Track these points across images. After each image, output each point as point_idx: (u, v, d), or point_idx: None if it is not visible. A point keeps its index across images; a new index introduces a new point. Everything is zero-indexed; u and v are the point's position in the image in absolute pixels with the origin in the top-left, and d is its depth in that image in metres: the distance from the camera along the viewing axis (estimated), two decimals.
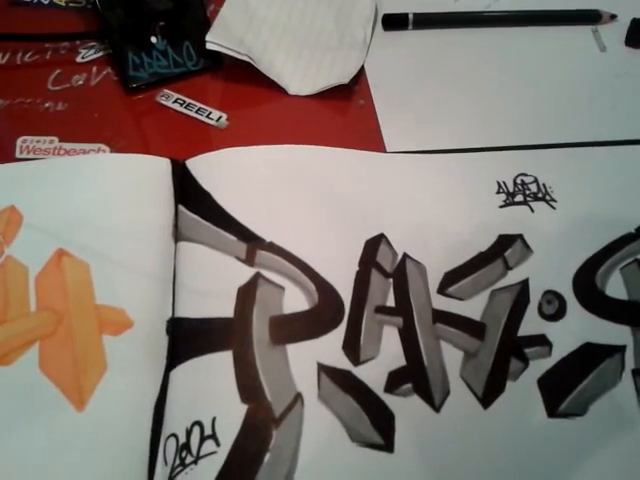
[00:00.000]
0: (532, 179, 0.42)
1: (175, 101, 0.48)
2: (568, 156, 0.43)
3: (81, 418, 0.32)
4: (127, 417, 0.32)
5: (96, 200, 0.39)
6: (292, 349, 0.34)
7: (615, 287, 0.37)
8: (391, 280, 0.37)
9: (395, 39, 0.52)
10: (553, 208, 0.40)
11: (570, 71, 0.49)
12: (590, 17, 0.52)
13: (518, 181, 0.42)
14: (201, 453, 0.31)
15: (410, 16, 0.51)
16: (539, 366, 0.35)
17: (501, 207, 0.41)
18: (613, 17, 0.52)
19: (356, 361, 0.34)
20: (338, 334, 0.35)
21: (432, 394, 0.34)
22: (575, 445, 0.32)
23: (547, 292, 0.37)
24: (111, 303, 0.36)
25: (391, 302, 0.37)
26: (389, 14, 0.52)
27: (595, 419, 0.33)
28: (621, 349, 0.35)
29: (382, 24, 0.52)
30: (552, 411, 0.33)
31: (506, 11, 0.53)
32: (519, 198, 0.41)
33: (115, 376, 0.33)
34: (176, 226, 0.39)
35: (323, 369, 0.34)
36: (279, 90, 0.48)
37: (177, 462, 0.31)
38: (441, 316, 0.36)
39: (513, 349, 0.35)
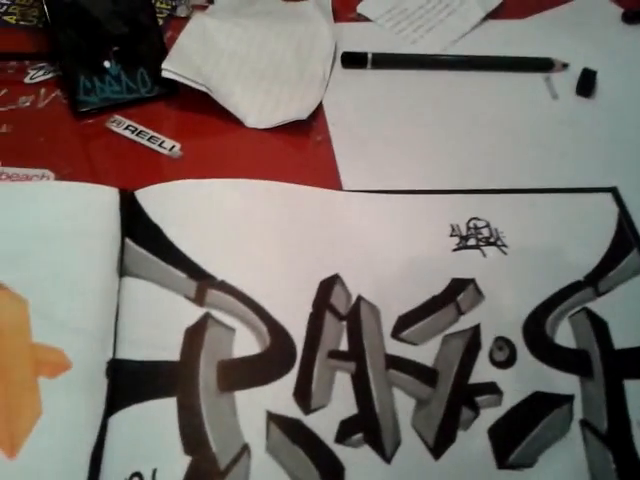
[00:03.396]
0: (484, 223, 0.42)
1: (126, 128, 0.46)
2: (519, 202, 0.44)
3: (12, 466, 0.30)
4: (62, 465, 0.31)
5: (38, 231, 0.37)
6: (240, 396, 0.33)
7: (564, 335, 0.37)
8: (345, 323, 0.37)
9: (353, 77, 0.52)
10: (504, 253, 0.41)
11: (523, 117, 0.50)
12: (543, 65, 0.53)
13: (471, 225, 0.42)
14: None
15: (369, 55, 0.52)
16: (489, 415, 0.34)
17: (454, 250, 0.41)
18: (565, 66, 0.53)
19: (307, 409, 0.33)
20: (289, 380, 0.34)
21: (383, 444, 0.33)
22: None
23: (498, 338, 0.37)
24: (49, 342, 0.34)
25: (344, 346, 0.36)
26: (348, 52, 0.52)
27: (543, 471, 0.33)
28: (570, 399, 0.35)
29: (341, 62, 0.52)
30: (502, 462, 0.33)
31: (461, 55, 0.54)
32: (472, 242, 0.41)
33: (50, 421, 0.32)
34: (121, 260, 0.37)
35: (272, 418, 0.33)
36: (235, 122, 0.47)
37: None
38: (394, 362, 0.36)
39: (464, 397, 0.35)
